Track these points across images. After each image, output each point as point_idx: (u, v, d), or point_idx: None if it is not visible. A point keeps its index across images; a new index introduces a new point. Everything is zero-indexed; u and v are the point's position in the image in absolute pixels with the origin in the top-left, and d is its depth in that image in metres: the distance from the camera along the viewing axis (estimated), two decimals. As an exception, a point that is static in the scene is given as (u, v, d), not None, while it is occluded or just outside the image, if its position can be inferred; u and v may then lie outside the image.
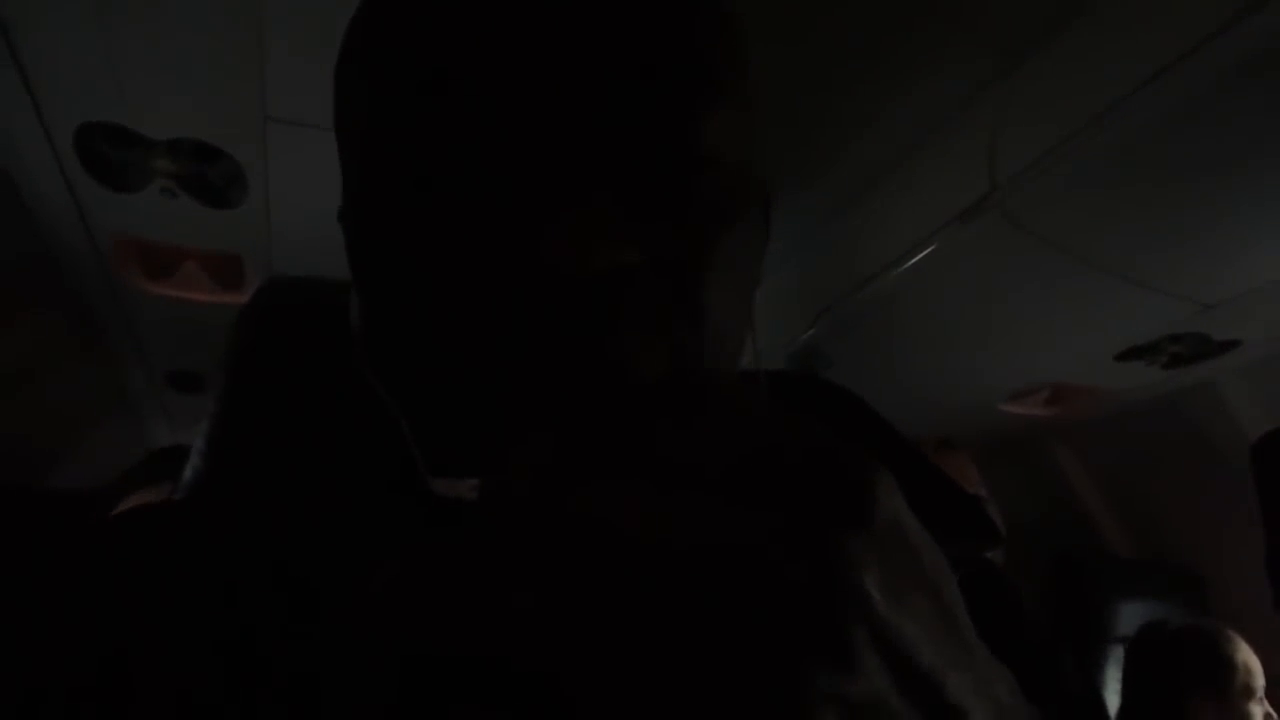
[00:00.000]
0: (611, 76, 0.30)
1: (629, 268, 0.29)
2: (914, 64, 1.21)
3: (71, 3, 1.09)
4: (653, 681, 0.18)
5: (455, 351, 0.30)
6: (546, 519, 0.20)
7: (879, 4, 1.09)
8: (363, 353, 0.37)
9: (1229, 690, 1.54)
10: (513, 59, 0.29)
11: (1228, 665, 1.56)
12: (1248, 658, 1.58)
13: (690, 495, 0.19)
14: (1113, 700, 1.91)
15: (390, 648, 0.19)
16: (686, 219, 0.31)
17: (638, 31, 0.30)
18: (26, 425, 2.31)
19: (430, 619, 0.19)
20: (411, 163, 0.31)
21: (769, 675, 0.18)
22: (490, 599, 0.19)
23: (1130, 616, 2.06)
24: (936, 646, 0.20)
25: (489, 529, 0.20)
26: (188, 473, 0.52)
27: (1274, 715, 1.57)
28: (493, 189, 0.29)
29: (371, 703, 0.27)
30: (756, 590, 0.19)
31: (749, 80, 0.35)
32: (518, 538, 0.20)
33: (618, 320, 0.29)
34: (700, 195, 0.31)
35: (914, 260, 1.45)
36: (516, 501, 0.20)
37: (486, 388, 0.30)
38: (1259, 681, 1.57)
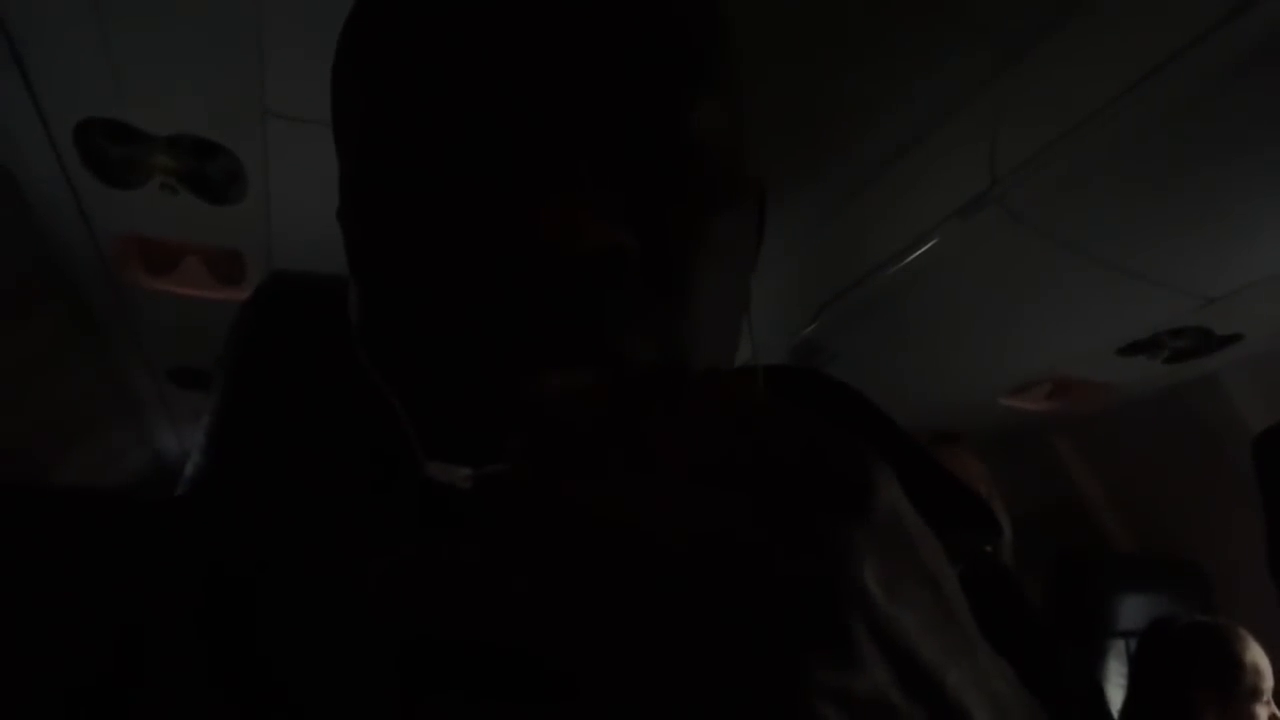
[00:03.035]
0: (600, 66, 0.30)
1: (619, 249, 0.29)
2: (914, 60, 1.21)
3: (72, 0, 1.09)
4: (652, 672, 0.18)
5: (451, 333, 0.31)
6: (546, 507, 0.19)
7: (880, 2, 1.09)
8: (360, 341, 0.37)
9: (1236, 690, 1.53)
10: (504, 50, 0.30)
11: (1236, 665, 1.55)
12: (1257, 658, 1.57)
13: (687, 485, 0.19)
14: (1114, 694, 1.91)
15: (388, 634, 0.19)
16: (674, 204, 0.31)
17: (627, 24, 0.31)
18: (28, 421, 2.32)
19: (428, 604, 0.19)
20: (407, 152, 0.31)
21: (767, 669, 0.18)
22: (488, 584, 0.19)
23: (1132, 611, 2.06)
24: (936, 639, 0.20)
25: (486, 516, 0.20)
26: (189, 469, 0.52)
27: (1279, 716, 1.57)
28: (485, 175, 0.30)
29: (370, 689, 0.27)
30: (753, 582, 0.18)
31: (737, 73, 0.36)
32: (516, 524, 0.20)
33: (608, 299, 0.29)
34: (687, 181, 0.32)
35: (915, 255, 1.45)
36: (513, 489, 0.20)
37: (480, 365, 0.30)
38: (1267, 683, 1.55)
